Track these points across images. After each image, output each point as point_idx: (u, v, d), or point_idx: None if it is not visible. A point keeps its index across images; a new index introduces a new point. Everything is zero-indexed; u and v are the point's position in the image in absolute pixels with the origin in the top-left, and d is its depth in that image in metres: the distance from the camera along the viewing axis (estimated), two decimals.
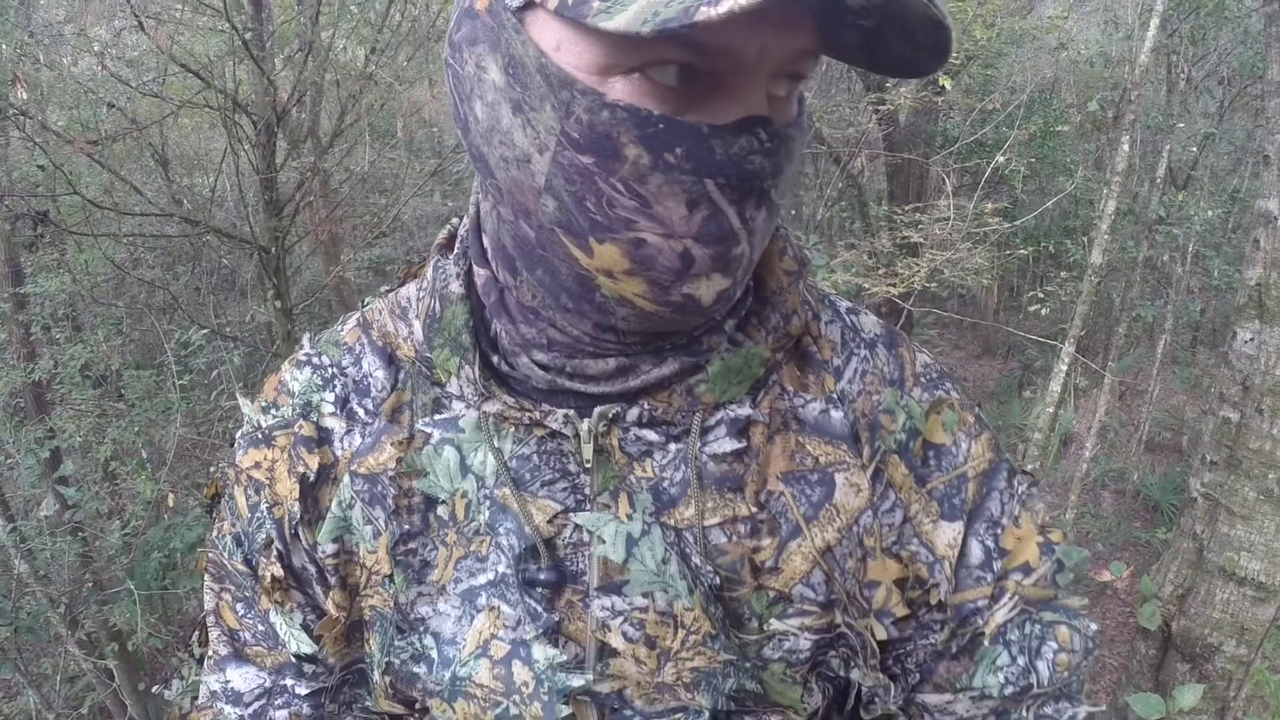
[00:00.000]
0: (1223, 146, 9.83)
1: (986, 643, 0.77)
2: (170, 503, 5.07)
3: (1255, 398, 3.92)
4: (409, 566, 0.77)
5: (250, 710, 0.85)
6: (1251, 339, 3.97)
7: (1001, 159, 6.08)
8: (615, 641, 0.74)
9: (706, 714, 0.76)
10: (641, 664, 0.75)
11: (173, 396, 5.32)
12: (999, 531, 0.78)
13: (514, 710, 0.76)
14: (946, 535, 0.76)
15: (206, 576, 0.88)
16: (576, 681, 0.74)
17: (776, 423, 0.74)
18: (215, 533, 0.87)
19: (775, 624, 0.74)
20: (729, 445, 0.73)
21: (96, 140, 4.38)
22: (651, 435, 0.72)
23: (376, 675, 0.81)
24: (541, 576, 0.73)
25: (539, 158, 0.59)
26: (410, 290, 0.81)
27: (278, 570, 0.80)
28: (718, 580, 0.72)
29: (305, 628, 0.82)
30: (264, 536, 0.80)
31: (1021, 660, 0.76)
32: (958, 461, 0.78)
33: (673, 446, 0.73)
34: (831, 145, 7.68)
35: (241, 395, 0.89)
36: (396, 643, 0.79)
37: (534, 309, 0.71)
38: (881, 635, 0.76)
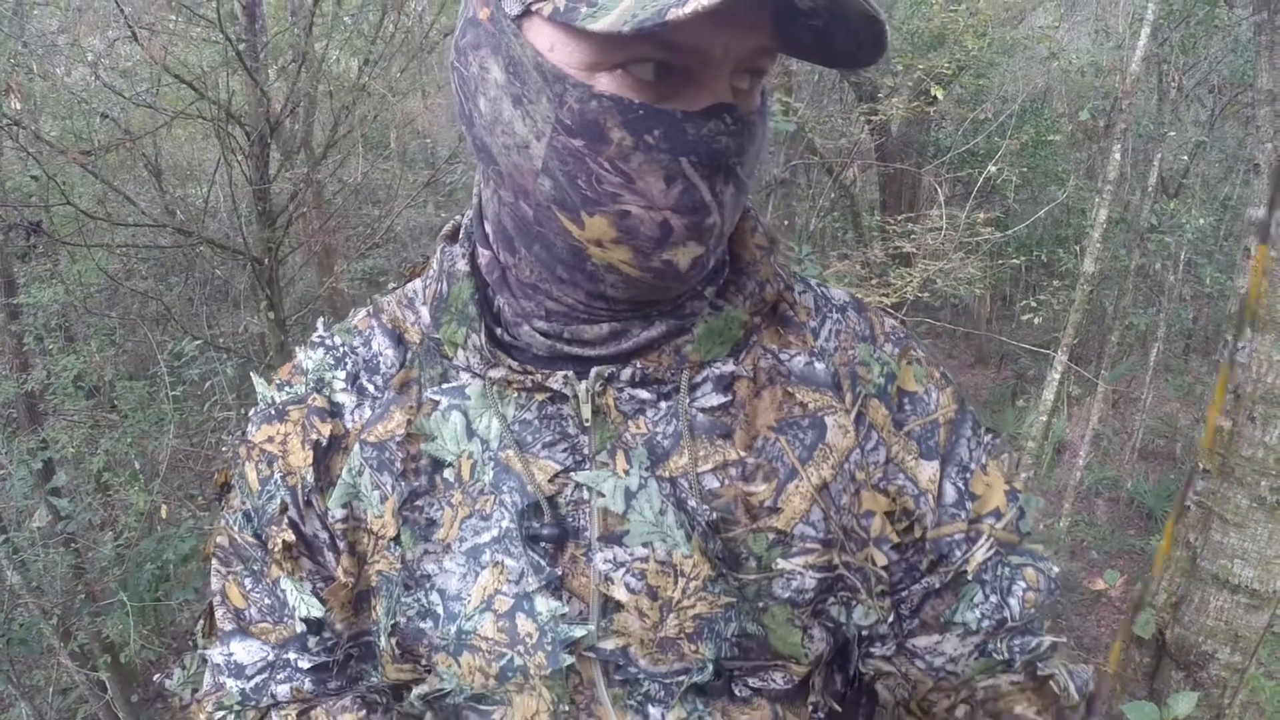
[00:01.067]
0: (1214, 154, 9.86)
1: (970, 579, 0.84)
2: (163, 514, 5.06)
3: (1247, 405, 3.93)
4: (415, 524, 0.81)
5: (252, 684, 0.87)
6: (1243, 347, 3.98)
7: (993, 168, 6.10)
8: (618, 593, 0.78)
9: (710, 668, 0.79)
10: (645, 617, 0.79)
11: (166, 408, 5.31)
12: (968, 476, 0.86)
13: (518, 661, 0.79)
14: (927, 472, 0.84)
15: (214, 561, 0.90)
16: (579, 632, 0.78)
17: (762, 379, 0.82)
18: (224, 512, 0.90)
19: (781, 563, 0.79)
20: (715, 399, 0.80)
21: (90, 151, 4.37)
22: (644, 394, 0.79)
23: (383, 641, 0.83)
24: (545, 532, 0.78)
25: (536, 143, 0.68)
26: (416, 284, 0.90)
27: (289, 536, 0.83)
28: (714, 517, 0.78)
29: (314, 594, 0.84)
30: (277, 505, 0.84)
31: (994, 598, 0.84)
32: (930, 409, 0.86)
33: (663, 404, 0.80)
34: (824, 155, 7.69)
35: (256, 375, 0.92)
36: (403, 599, 0.81)
37: (532, 284, 0.78)
38: (882, 561, 0.83)
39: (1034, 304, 7.59)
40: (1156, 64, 7.95)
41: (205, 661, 0.94)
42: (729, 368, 0.80)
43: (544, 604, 0.78)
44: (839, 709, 0.91)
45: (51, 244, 4.96)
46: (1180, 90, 8.40)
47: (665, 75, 0.66)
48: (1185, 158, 9.17)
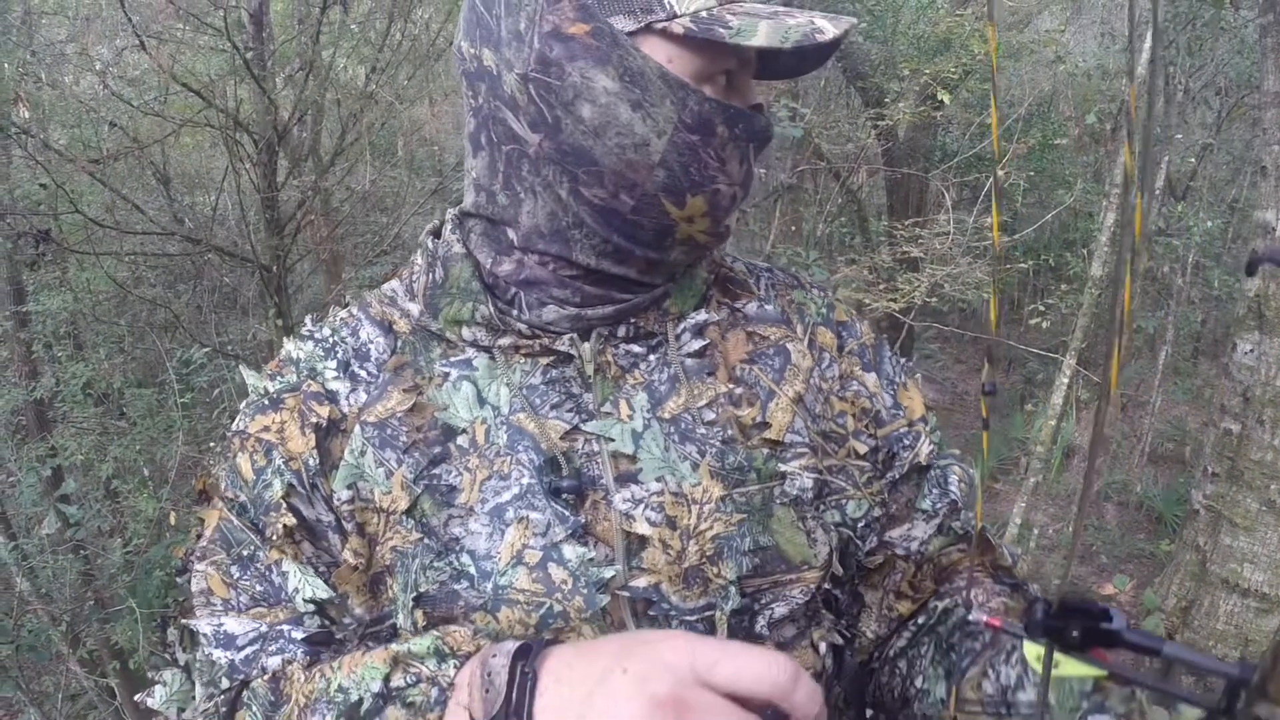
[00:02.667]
0: (1221, 157, 9.84)
1: (924, 467, 1.02)
2: (172, 521, 5.06)
3: (1256, 409, 3.92)
4: (436, 490, 0.85)
5: (242, 655, 0.84)
6: (1251, 350, 3.97)
7: (1000, 173, 6.09)
8: (641, 528, 0.86)
9: (734, 590, 0.87)
10: (669, 548, 0.86)
11: (174, 415, 5.32)
12: (895, 389, 1.04)
13: (558, 607, 0.83)
14: (871, 379, 1.02)
15: (193, 562, 0.89)
16: (609, 573, 0.84)
17: (724, 325, 0.98)
18: (205, 508, 0.90)
19: (782, 466, 0.92)
20: (695, 344, 0.94)
21: (98, 159, 4.39)
22: (636, 348, 0.92)
23: (402, 618, 0.84)
24: (565, 484, 0.85)
25: (657, 140, 0.81)
26: (393, 284, 0.98)
27: (290, 520, 0.85)
28: (729, 434, 0.90)
29: (319, 577, 0.85)
30: (277, 490, 0.85)
31: (938, 490, 1.03)
32: (858, 334, 1.05)
33: (652, 356, 0.92)
34: (831, 161, 7.69)
35: (246, 368, 0.94)
36: (435, 564, 0.84)
37: (564, 279, 0.89)
38: (863, 449, 0.98)
39: (1042, 308, 7.57)
40: (1163, 67, 7.93)
41: (189, 676, 0.92)
42: (702, 316, 0.95)
43: (572, 551, 0.83)
44: (838, 647, 1.01)
45: (60, 252, 4.98)
46: (1187, 93, 8.39)
47: (727, 82, 0.84)
48: (1192, 160, 9.15)
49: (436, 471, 0.86)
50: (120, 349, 6.20)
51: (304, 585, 0.84)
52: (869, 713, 1.06)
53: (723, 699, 0.60)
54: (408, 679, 0.74)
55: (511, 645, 0.69)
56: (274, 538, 0.85)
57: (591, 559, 0.83)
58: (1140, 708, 0.82)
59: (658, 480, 0.87)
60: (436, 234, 0.98)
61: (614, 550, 0.85)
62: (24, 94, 4.46)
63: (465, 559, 0.84)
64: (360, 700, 0.74)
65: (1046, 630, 0.69)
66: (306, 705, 0.78)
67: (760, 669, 0.61)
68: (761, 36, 0.77)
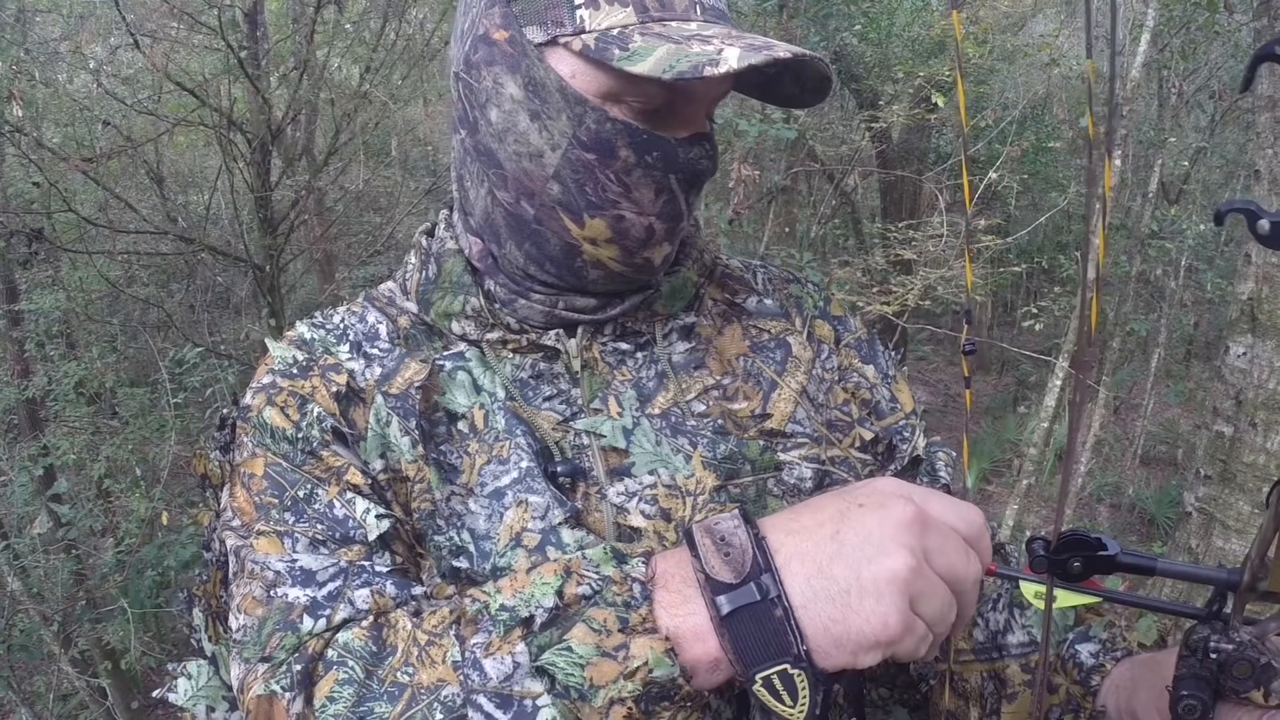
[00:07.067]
0: (1214, 160, 9.87)
1: (923, 459, 1.02)
2: (164, 521, 5.05)
3: (1249, 411, 3.92)
4: (441, 466, 0.86)
5: (325, 590, 0.76)
6: (1244, 353, 3.98)
7: (994, 175, 6.11)
8: (635, 521, 0.86)
9: None
10: (664, 540, 0.85)
11: (167, 414, 5.31)
12: (890, 383, 1.05)
13: None
14: (870, 370, 1.04)
15: (227, 537, 0.83)
16: None
17: (719, 321, 0.99)
18: (238, 467, 0.85)
19: (781, 455, 0.92)
20: (682, 345, 0.95)
21: (91, 158, 4.38)
22: (624, 345, 0.93)
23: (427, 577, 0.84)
24: (560, 468, 0.85)
25: (551, 153, 0.82)
26: (388, 285, 1.00)
27: (340, 460, 0.83)
28: (720, 424, 0.91)
29: (383, 507, 0.82)
30: (319, 434, 0.84)
31: (928, 479, 1.02)
32: (853, 328, 1.07)
33: (640, 354, 0.93)
34: (825, 163, 7.71)
35: (270, 339, 0.93)
36: (436, 538, 0.84)
37: (523, 270, 0.91)
38: (869, 436, 0.99)
39: (1035, 310, 7.59)
40: (1157, 70, 7.96)
41: (215, 666, 0.89)
42: (690, 319, 0.96)
43: (569, 535, 0.83)
44: None
45: (53, 251, 4.98)
46: (1180, 96, 8.41)
47: (658, 107, 0.81)
48: (1186, 164, 9.18)
49: (442, 448, 0.86)
50: (113, 348, 6.19)
51: (375, 508, 0.81)
52: (864, 691, 1.04)
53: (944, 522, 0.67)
54: (594, 584, 0.70)
55: (730, 513, 0.70)
56: (328, 474, 0.82)
57: (589, 542, 0.82)
58: (1122, 631, 0.92)
59: (650, 474, 0.87)
60: (430, 233, 0.99)
61: (605, 541, 0.83)
62: (17, 92, 4.45)
63: (465, 535, 0.83)
64: (531, 617, 0.68)
65: (1050, 565, 0.74)
66: (430, 641, 0.70)
67: (961, 510, 0.69)
68: (648, 65, 0.74)
